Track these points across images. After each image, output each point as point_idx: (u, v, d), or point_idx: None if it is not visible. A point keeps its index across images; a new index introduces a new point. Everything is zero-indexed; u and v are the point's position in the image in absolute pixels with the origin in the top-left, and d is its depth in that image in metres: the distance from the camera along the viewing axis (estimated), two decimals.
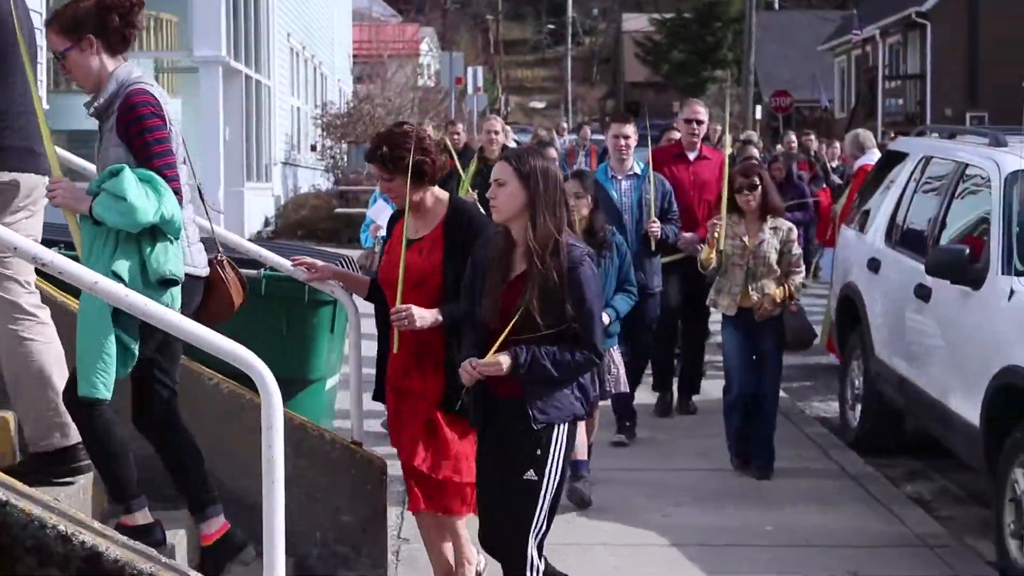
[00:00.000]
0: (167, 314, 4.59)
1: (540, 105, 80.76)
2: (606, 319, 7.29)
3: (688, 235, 9.83)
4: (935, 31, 40.35)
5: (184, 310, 5.19)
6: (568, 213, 5.25)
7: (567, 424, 5.22)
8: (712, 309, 9.57)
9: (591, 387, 5.32)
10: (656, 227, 9.35)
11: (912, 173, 9.74)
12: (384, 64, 35.46)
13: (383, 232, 8.61)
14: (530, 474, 5.17)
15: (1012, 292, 7.35)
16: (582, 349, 5.10)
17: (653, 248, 9.46)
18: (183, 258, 5.23)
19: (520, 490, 5.18)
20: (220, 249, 5.69)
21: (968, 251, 7.81)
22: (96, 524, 4.72)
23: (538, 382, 5.09)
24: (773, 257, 8.60)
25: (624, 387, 8.39)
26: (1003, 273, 7.54)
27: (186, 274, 5.26)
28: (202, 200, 5.71)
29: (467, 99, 39.47)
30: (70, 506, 4.96)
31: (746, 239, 8.64)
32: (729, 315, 8.77)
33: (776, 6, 70.76)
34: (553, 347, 5.06)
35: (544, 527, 5.25)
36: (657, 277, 9.66)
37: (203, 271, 5.47)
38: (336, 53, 35.81)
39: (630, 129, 9.62)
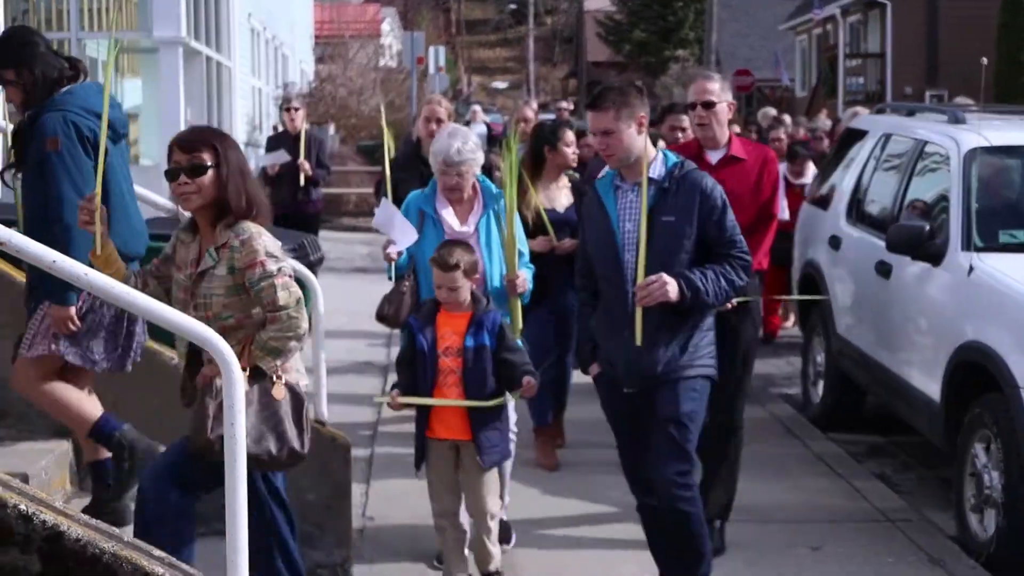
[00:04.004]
0: (129, 294, 4.56)
1: (502, 85, 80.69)
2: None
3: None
4: (895, 10, 40.37)
5: None
6: None
7: None
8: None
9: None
10: (651, 289, 5.55)
11: (872, 151, 9.77)
12: (345, 44, 35.35)
13: (396, 248, 6.51)
14: None
15: (971, 268, 7.40)
16: None
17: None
18: None
19: None
20: None
21: (928, 227, 7.86)
22: (57, 503, 4.70)
23: None
24: (221, 298, 4.91)
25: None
26: (963, 249, 7.59)
27: None
28: None
29: (429, 79, 39.39)
30: (30, 486, 4.94)
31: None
32: None
33: None
34: None
35: None
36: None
37: None
38: (297, 33, 35.64)
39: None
